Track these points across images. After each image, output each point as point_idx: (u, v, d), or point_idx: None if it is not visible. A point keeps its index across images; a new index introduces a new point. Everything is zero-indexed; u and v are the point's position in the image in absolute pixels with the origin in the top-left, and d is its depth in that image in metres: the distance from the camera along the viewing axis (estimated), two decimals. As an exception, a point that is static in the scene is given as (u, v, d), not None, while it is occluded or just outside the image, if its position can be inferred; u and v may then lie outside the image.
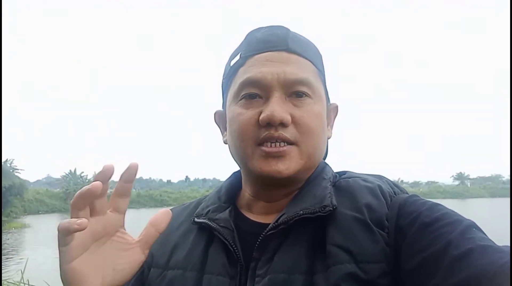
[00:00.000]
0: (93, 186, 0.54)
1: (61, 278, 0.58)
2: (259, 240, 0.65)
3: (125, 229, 0.63)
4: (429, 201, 0.64)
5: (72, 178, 55.47)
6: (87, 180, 55.93)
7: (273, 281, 0.61)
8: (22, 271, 3.45)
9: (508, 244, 0.52)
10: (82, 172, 57.90)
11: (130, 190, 0.61)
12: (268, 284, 0.61)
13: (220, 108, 0.82)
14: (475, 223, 0.58)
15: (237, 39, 0.77)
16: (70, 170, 57.21)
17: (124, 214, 0.63)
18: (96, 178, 0.56)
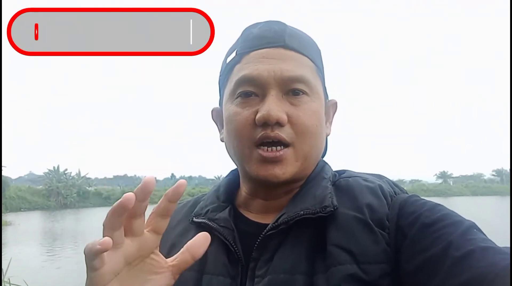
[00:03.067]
0: (124, 198, 0.49)
1: None
2: (258, 240, 0.65)
3: (159, 250, 0.58)
4: (430, 201, 0.64)
5: (55, 175, 54.56)
6: (70, 177, 55.29)
7: (273, 281, 0.60)
8: (3, 270, 3.38)
9: (506, 244, 0.52)
10: (66, 169, 57.06)
11: (173, 210, 0.56)
12: (267, 284, 0.61)
13: (213, 105, 0.81)
14: (475, 224, 0.57)
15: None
16: (53, 167, 56.28)
17: (161, 235, 0.57)
18: (134, 192, 0.51)
